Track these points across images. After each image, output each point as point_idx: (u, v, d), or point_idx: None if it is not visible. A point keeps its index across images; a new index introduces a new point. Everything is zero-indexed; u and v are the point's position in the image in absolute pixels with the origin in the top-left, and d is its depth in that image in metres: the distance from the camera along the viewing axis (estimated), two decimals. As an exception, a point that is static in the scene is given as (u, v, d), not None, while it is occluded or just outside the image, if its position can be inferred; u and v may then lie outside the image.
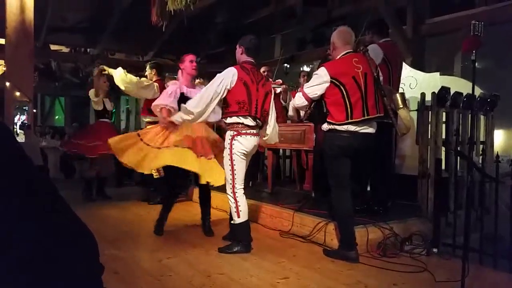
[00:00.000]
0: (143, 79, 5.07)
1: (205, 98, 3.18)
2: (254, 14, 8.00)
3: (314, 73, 3.25)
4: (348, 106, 3.07)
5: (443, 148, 4.03)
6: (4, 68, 5.27)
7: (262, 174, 6.33)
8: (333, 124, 3.12)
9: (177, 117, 3.33)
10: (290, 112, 4.24)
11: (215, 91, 3.17)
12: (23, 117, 4.70)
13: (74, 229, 0.64)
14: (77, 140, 5.42)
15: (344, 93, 3.07)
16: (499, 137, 6.03)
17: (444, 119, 4.06)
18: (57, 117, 16.73)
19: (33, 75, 5.17)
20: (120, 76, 4.77)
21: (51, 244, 0.58)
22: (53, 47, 8.90)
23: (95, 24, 8.01)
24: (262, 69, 5.93)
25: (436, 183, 3.70)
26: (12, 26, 4.80)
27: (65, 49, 9.32)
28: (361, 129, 3.14)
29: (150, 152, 3.52)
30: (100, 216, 4.71)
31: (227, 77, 3.19)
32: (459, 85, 4.51)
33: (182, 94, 3.71)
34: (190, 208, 4.96)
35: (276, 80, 5.74)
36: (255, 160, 5.67)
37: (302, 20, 7.87)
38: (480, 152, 3.89)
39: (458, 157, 3.83)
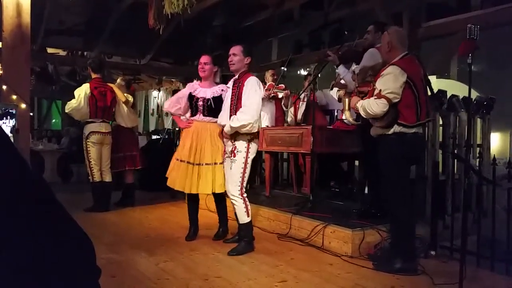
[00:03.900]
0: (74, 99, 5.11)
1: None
2: (251, 17, 8.01)
3: (386, 74, 3.00)
4: (418, 107, 3.00)
5: (440, 151, 4.04)
6: (1, 72, 5.26)
7: (260, 177, 6.32)
8: (403, 126, 2.98)
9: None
10: (349, 119, 3.78)
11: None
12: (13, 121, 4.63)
13: (71, 231, 0.64)
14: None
15: (416, 94, 2.99)
16: (496, 139, 6.06)
17: (440, 122, 4.08)
18: (54, 120, 16.69)
19: (29, 78, 5.15)
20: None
21: (48, 246, 0.57)
22: (50, 50, 8.88)
23: (92, 27, 8.00)
24: (269, 73, 5.98)
25: (434, 186, 3.71)
26: (9, 30, 4.79)
27: (62, 52, 9.30)
28: (420, 131, 3.14)
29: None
30: (96, 220, 4.69)
31: (261, 86, 3.47)
32: (456, 88, 4.54)
33: (190, 94, 3.76)
34: (186, 211, 4.93)
35: (279, 85, 5.76)
36: (254, 163, 5.68)
37: (299, 23, 7.89)
38: (477, 155, 3.90)
39: (455, 160, 3.84)
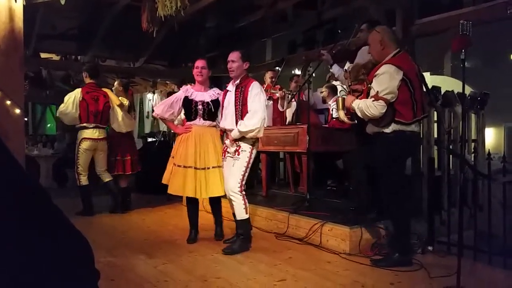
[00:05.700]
0: (62, 104, 5.15)
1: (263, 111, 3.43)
2: (245, 18, 8.01)
3: (381, 73, 2.98)
4: (414, 104, 3.01)
5: (436, 147, 4.06)
6: (-6, 77, 5.22)
7: (256, 177, 6.32)
8: (401, 123, 2.99)
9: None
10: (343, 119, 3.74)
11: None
12: None
13: (68, 234, 0.64)
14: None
15: (412, 91, 2.99)
16: (490, 134, 6.10)
17: (435, 118, 4.10)
18: (48, 125, 16.60)
19: (23, 83, 5.12)
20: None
21: (46, 248, 0.58)
22: (43, 55, 8.84)
23: (85, 31, 7.97)
24: (269, 75, 6.00)
25: (430, 182, 3.72)
26: (1, 35, 4.77)
27: (55, 57, 9.26)
28: (417, 129, 3.17)
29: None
30: (94, 224, 4.68)
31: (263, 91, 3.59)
32: (450, 84, 4.57)
33: (186, 98, 3.74)
34: (183, 213, 4.93)
35: (275, 86, 5.82)
36: (252, 166, 5.69)
37: (293, 23, 7.90)
38: (472, 150, 3.93)
39: (451, 156, 3.86)
